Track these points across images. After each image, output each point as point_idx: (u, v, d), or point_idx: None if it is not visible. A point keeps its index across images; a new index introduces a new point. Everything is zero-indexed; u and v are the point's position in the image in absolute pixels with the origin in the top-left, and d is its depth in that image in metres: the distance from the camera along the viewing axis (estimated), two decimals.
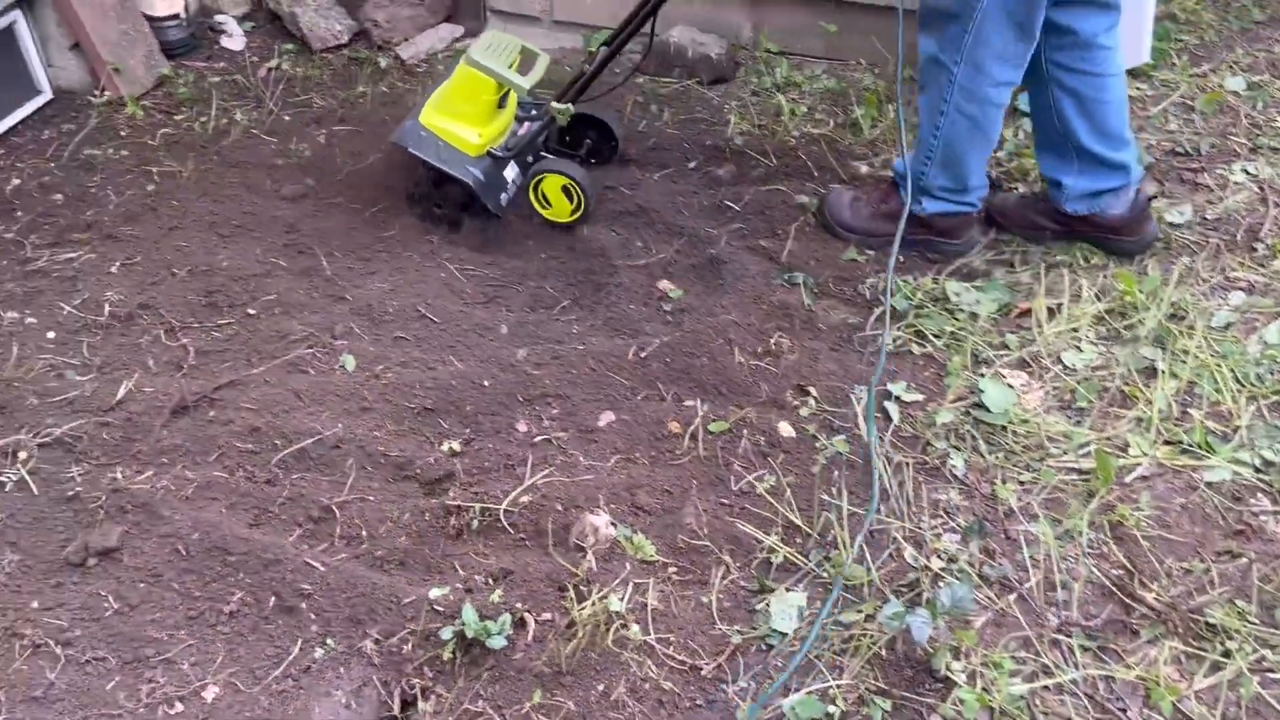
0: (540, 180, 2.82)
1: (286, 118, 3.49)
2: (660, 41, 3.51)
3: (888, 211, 2.65)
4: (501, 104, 2.85)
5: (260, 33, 4.01)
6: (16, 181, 3.14)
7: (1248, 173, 2.78)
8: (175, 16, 3.76)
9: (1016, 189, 2.85)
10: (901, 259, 2.68)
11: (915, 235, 2.64)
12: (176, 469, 2.26)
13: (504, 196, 2.88)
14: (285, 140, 3.36)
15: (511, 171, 2.89)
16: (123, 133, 3.43)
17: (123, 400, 2.42)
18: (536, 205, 2.87)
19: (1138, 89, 3.13)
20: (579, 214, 2.83)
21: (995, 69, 2.36)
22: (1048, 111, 2.54)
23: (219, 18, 3.97)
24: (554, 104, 2.83)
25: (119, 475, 2.23)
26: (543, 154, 2.98)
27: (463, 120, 2.80)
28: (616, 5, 3.63)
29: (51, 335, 2.59)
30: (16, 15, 3.35)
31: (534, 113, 2.97)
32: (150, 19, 3.68)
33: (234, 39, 3.93)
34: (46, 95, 3.51)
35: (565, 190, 2.80)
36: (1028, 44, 2.35)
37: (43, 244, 2.90)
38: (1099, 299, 2.48)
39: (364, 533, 2.10)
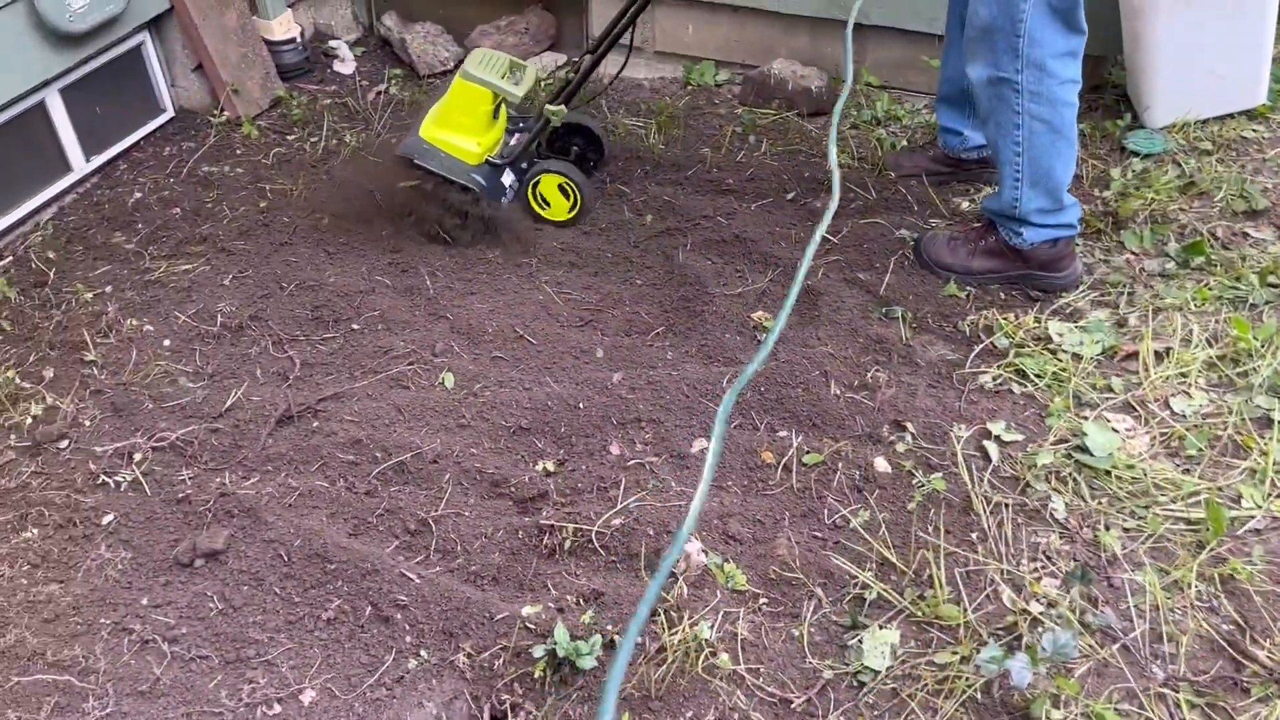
0: (537, 181, 3.00)
1: (393, 140, 3.59)
2: (760, 73, 3.53)
3: (987, 249, 2.66)
4: (495, 115, 3.02)
5: (370, 58, 4.14)
6: (138, 195, 3.29)
7: None
8: (292, 41, 3.91)
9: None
10: (1003, 295, 2.65)
11: (1017, 270, 2.63)
12: (281, 476, 2.33)
13: (504, 200, 3.05)
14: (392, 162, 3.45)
15: (509, 177, 3.07)
16: (238, 151, 3.57)
17: (232, 408, 2.51)
18: (536, 207, 3.06)
19: (1254, 131, 3.05)
20: (576, 212, 3.02)
21: (1057, 67, 2.38)
22: (958, 68, 2.65)
23: (332, 43, 4.11)
24: (549, 106, 2.97)
25: (226, 480, 2.31)
26: (535, 159, 3.15)
27: (461, 131, 2.98)
28: (718, 40, 3.68)
29: (167, 343, 2.70)
30: (144, 37, 3.52)
31: (523, 125, 3.14)
32: (268, 43, 3.83)
33: (345, 63, 4.07)
34: (169, 113, 3.68)
35: (562, 189, 2.99)
36: (1079, 36, 2.38)
37: (160, 255, 3.03)
38: (1210, 344, 2.41)
39: (459, 547, 2.13)
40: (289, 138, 3.66)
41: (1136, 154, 3.04)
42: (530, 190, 3.04)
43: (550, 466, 2.28)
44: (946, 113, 2.94)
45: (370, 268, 2.95)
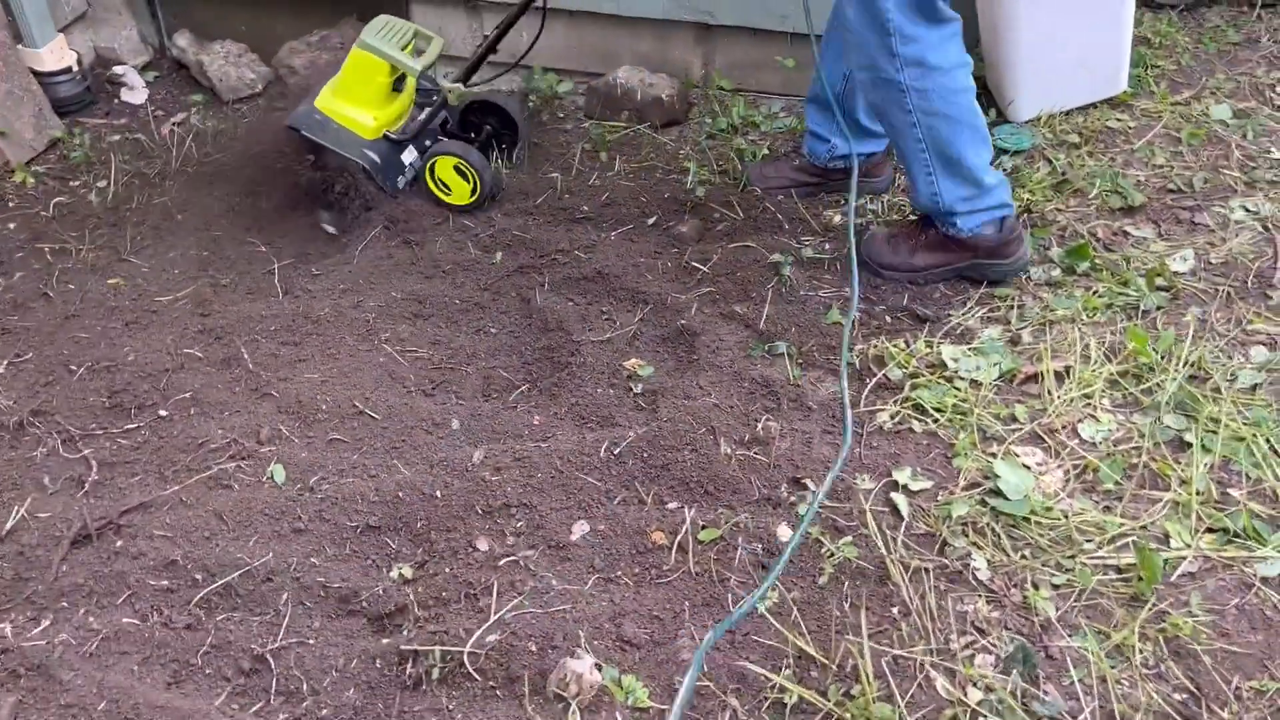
0: (434, 164, 2.82)
1: (195, 178, 3.16)
2: (606, 83, 3.25)
3: (929, 243, 2.51)
4: (398, 87, 2.87)
5: (165, 83, 3.68)
6: None
7: (1247, 210, 2.60)
8: (67, 70, 3.42)
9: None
10: (889, 320, 2.46)
11: (964, 261, 2.50)
12: (78, 616, 1.93)
13: (402, 180, 2.89)
14: (194, 207, 3.03)
15: (410, 155, 2.89)
16: (10, 204, 3.08)
17: (14, 530, 2.09)
18: (436, 191, 2.86)
19: (1119, 120, 2.95)
20: (477, 195, 2.82)
21: (938, 58, 2.24)
22: (835, 70, 2.59)
23: (118, 69, 3.62)
24: (444, 83, 2.82)
25: (8, 629, 1.89)
26: (439, 139, 2.94)
27: (357, 104, 2.80)
28: (556, 46, 3.37)
29: None
30: None
31: (434, 98, 2.93)
32: (39, 74, 3.33)
33: (135, 92, 3.59)
34: None
35: (459, 171, 2.79)
36: (951, 22, 2.24)
37: None
38: (1109, 359, 2.27)
39: (305, 687, 1.79)
40: (72, 184, 3.18)
41: (1005, 151, 2.90)
42: (429, 174, 2.81)
43: (408, 572, 1.95)
44: (815, 116, 2.75)
45: (177, 338, 2.53)
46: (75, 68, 3.43)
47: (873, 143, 2.74)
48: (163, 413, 2.34)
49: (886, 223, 2.73)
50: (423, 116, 2.93)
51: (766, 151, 3.03)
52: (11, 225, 3.00)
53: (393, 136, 2.85)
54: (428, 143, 2.93)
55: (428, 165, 2.82)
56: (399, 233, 2.82)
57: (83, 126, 3.40)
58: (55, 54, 3.37)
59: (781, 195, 2.83)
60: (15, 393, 2.41)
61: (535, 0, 2.77)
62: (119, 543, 2.05)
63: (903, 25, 2.18)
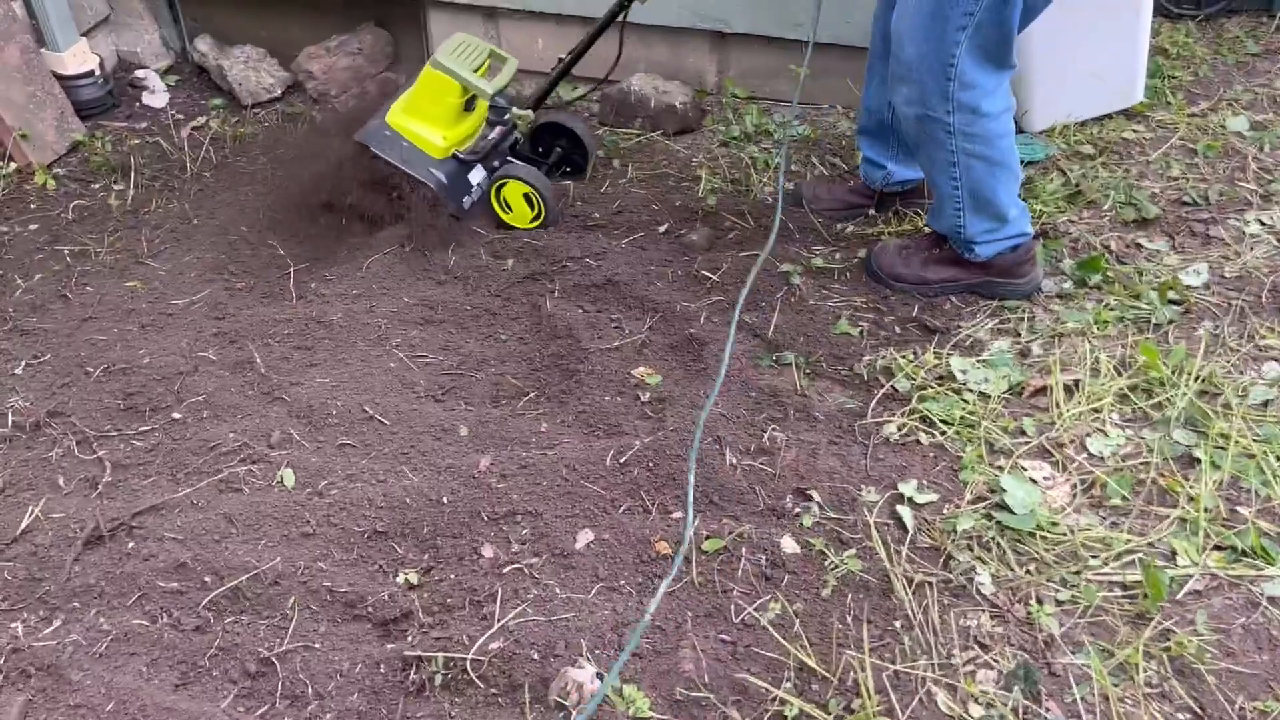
0: (502, 185, 2.80)
1: (214, 182, 3.19)
2: (620, 90, 3.26)
3: (942, 258, 2.51)
4: (470, 107, 2.83)
5: (186, 87, 3.72)
6: None
7: (1262, 223, 2.58)
8: (90, 74, 3.46)
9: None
10: (898, 330, 2.45)
11: (976, 279, 2.50)
12: (89, 616, 1.95)
13: (467, 200, 2.85)
14: (212, 210, 3.06)
15: (477, 175, 2.86)
16: (32, 206, 3.12)
17: (28, 530, 2.12)
18: (498, 210, 2.85)
19: (1134, 131, 2.94)
20: (539, 222, 2.82)
21: (990, 105, 2.24)
22: (880, 99, 2.56)
23: (139, 73, 3.67)
24: (515, 110, 2.78)
25: (19, 629, 1.92)
26: (509, 159, 2.92)
27: (428, 122, 2.78)
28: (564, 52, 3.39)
29: None
30: None
31: (507, 117, 2.91)
32: (61, 78, 3.37)
33: (156, 95, 3.63)
34: None
35: (527, 198, 2.78)
36: (1010, 70, 2.25)
37: None
38: (1119, 372, 2.25)
39: (310, 690, 1.80)
40: (92, 186, 3.22)
41: (1020, 161, 2.88)
42: (494, 192, 2.81)
43: (413, 578, 1.97)
44: (869, 146, 2.72)
45: (192, 341, 2.56)
46: (97, 71, 3.47)
47: (918, 168, 2.68)
48: (176, 415, 2.37)
49: (897, 233, 2.72)
50: (493, 137, 2.90)
51: (822, 170, 3.01)
52: (33, 227, 3.04)
53: (462, 156, 2.82)
54: (495, 163, 2.90)
55: (495, 185, 2.80)
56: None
57: (104, 130, 3.44)
58: (78, 58, 3.41)
59: (830, 216, 2.80)
60: (33, 394, 2.44)
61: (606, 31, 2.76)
62: (130, 544, 2.08)
63: (966, 70, 2.17)
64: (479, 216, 2.88)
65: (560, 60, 2.84)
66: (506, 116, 2.88)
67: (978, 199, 2.35)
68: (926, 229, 2.62)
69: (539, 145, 3.02)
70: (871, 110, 2.64)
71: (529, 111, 2.79)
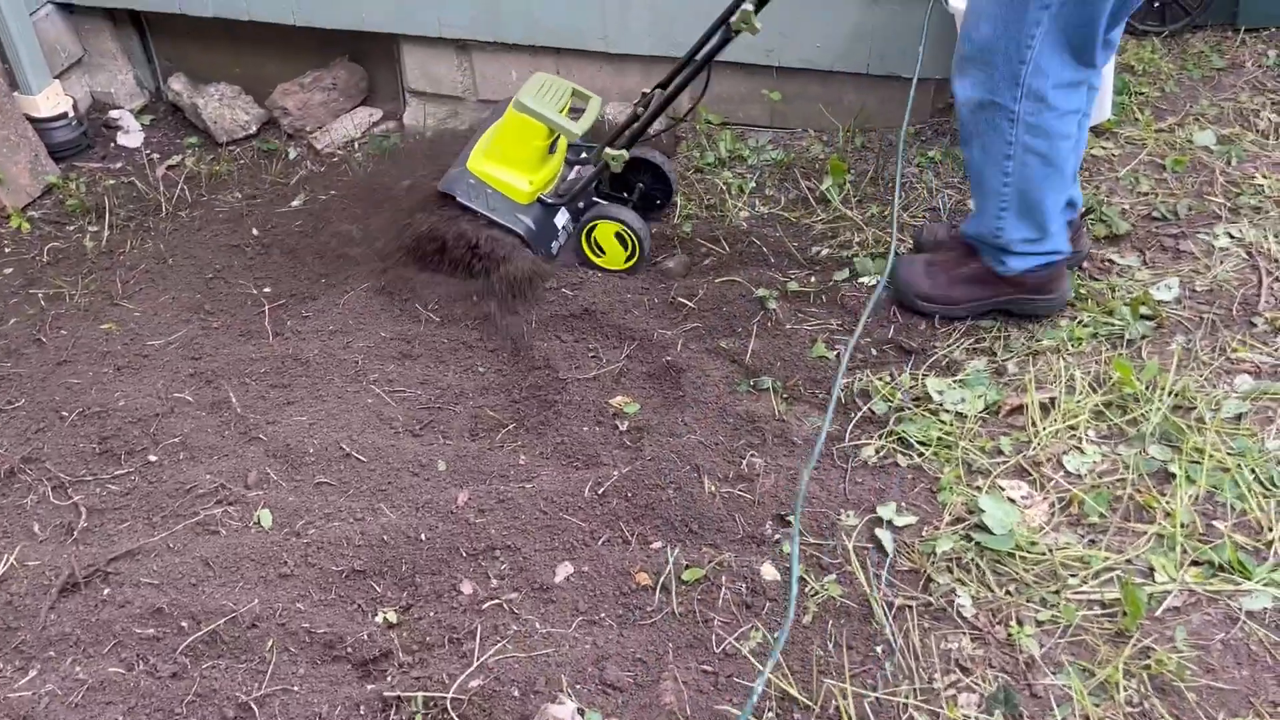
0: (593, 227, 2.71)
1: (189, 221, 3.19)
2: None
3: (970, 276, 2.43)
4: (553, 149, 2.75)
5: (161, 126, 3.72)
6: None
7: (1232, 236, 2.59)
8: (63, 116, 3.46)
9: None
10: (874, 352, 2.46)
11: (1004, 296, 2.42)
12: (65, 665, 1.94)
13: (555, 245, 2.76)
14: (188, 250, 3.06)
15: (562, 218, 2.78)
16: (6, 249, 3.11)
17: (3, 579, 2.10)
18: (589, 253, 2.77)
19: (1103, 148, 2.96)
20: (633, 261, 2.73)
21: (1060, 98, 2.15)
22: None
23: (114, 113, 3.67)
24: (608, 150, 2.65)
25: None
26: (594, 199, 2.85)
27: (512, 167, 2.67)
28: None
29: None
30: None
31: (584, 156, 2.84)
32: (34, 120, 3.37)
33: (131, 135, 3.63)
34: None
35: (620, 238, 2.70)
36: (1088, 68, 2.15)
37: None
38: (1095, 389, 2.26)
39: None
40: (67, 228, 3.22)
41: None
42: (584, 235, 2.72)
43: (392, 617, 1.96)
44: None
45: (167, 383, 2.55)
46: (71, 113, 3.48)
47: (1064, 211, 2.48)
48: (152, 458, 2.35)
49: (931, 250, 2.60)
50: (575, 177, 2.82)
51: (934, 208, 2.86)
52: (7, 271, 3.03)
53: (546, 200, 2.75)
54: (580, 204, 2.82)
55: (586, 228, 2.72)
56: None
57: (79, 171, 3.44)
58: (51, 100, 3.42)
59: None
60: (6, 440, 2.43)
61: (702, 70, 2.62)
62: (106, 590, 2.06)
63: (1042, 55, 2.08)
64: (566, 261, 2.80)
65: (644, 95, 2.72)
66: (585, 155, 2.80)
67: (1025, 200, 2.26)
68: (955, 237, 2.52)
69: (618, 182, 2.90)
70: None
71: (622, 151, 2.64)
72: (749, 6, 2.35)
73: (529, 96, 2.63)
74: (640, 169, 2.90)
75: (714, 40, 2.52)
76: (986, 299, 2.45)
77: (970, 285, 2.44)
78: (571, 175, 2.84)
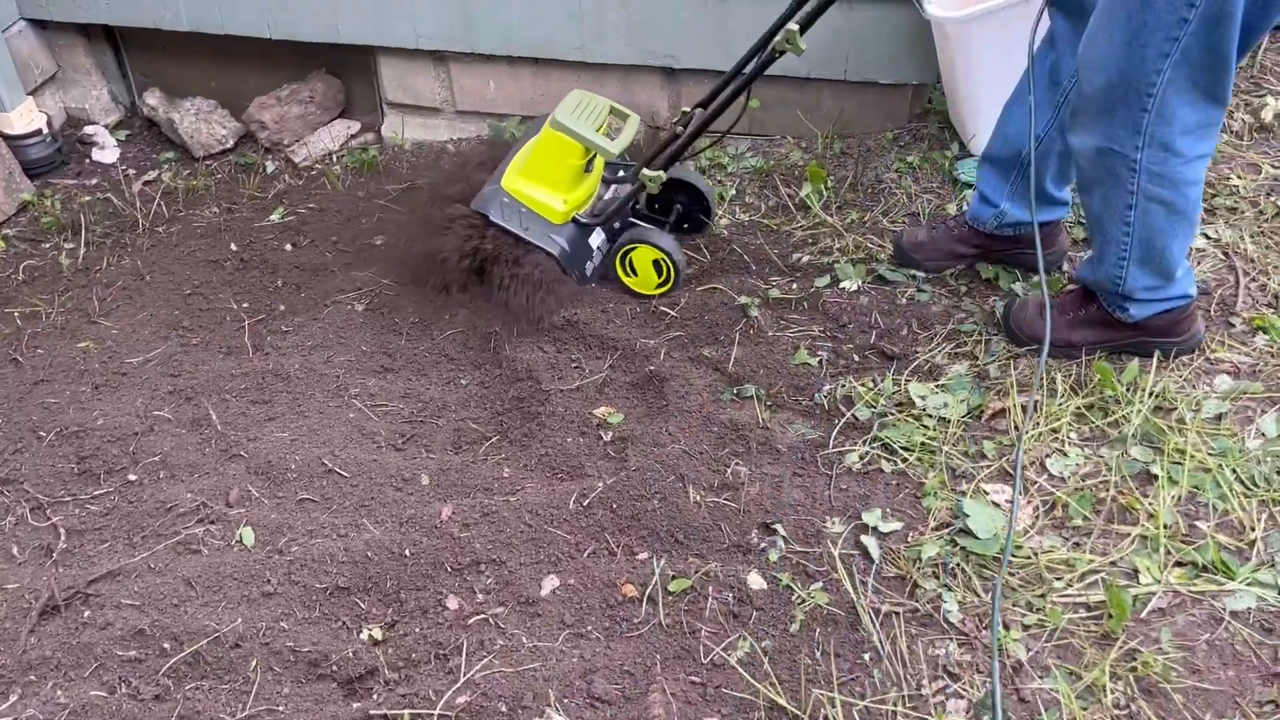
0: (631, 249, 2.66)
1: (166, 237, 3.16)
2: None
3: (1089, 320, 2.30)
4: (589, 167, 2.70)
5: (136, 141, 3.69)
6: None
7: (1208, 237, 2.61)
8: (37, 132, 3.43)
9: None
10: (857, 359, 2.46)
11: (1127, 340, 2.30)
12: (46, 689, 1.91)
13: (589, 266, 2.71)
14: (165, 266, 3.03)
15: (597, 238, 2.73)
16: None
17: None
18: (622, 274, 2.71)
19: None
20: (667, 288, 2.69)
21: (1186, 145, 1.98)
22: (1020, 128, 2.34)
23: (89, 129, 3.64)
24: (646, 171, 2.59)
25: None
26: (631, 220, 2.80)
27: (547, 186, 2.64)
28: (524, 95, 3.40)
29: None
30: None
31: (621, 174, 2.79)
32: (8, 138, 3.34)
33: (106, 151, 3.60)
34: None
35: (656, 264, 2.65)
36: (1219, 106, 1.96)
37: None
38: (1076, 392, 2.27)
39: None
40: (42, 246, 3.19)
41: (969, 185, 2.92)
42: (620, 257, 2.67)
43: (377, 634, 1.94)
44: (988, 176, 2.49)
45: (147, 400, 2.53)
46: (45, 129, 3.45)
47: (1051, 211, 2.48)
48: (132, 477, 2.33)
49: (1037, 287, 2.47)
50: (611, 197, 2.77)
51: (911, 217, 2.87)
52: None
53: (581, 220, 2.69)
54: (616, 225, 2.76)
55: (622, 251, 2.66)
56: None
57: (54, 188, 3.41)
58: (25, 117, 3.39)
59: (933, 269, 2.64)
60: None
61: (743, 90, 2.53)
62: (87, 612, 2.04)
63: (1168, 102, 1.91)
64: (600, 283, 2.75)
65: (684, 113, 2.67)
66: (632, 174, 2.73)
67: (1148, 250, 2.12)
68: (1070, 286, 2.44)
69: (656, 202, 2.85)
70: (1009, 138, 2.40)
71: (660, 172, 2.58)
72: (794, 26, 2.27)
73: (565, 114, 2.58)
74: (678, 189, 2.84)
75: (756, 60, 2.46)
76: (1107, 342, 2.33)
77: (1089, 329, 2.32)
78: (608, 194, 2.79)
